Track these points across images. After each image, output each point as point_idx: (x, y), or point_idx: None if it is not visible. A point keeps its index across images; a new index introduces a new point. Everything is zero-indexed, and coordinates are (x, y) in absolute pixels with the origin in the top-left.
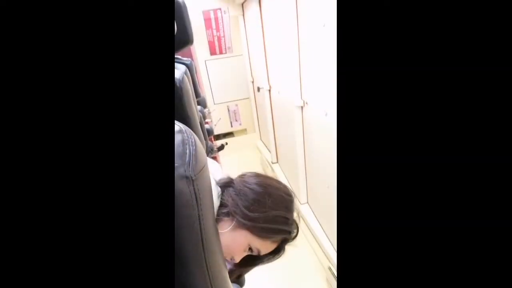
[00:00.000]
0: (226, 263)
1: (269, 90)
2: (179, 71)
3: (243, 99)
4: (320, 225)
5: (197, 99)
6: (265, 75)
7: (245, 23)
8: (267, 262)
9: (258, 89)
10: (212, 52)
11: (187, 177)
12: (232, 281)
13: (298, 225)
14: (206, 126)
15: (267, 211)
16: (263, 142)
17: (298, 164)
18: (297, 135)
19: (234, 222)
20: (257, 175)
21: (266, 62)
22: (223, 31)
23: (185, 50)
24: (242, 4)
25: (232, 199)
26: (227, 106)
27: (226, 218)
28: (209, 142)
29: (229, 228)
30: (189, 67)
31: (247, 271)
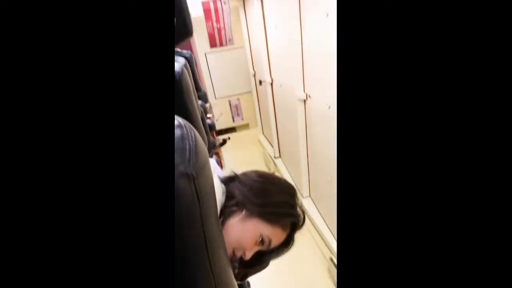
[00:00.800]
0: (235, 264)
1: (271, 83)
2: (179, 64)
3: (245, 93)
4: (322, 217)
5: (198, 94)
6: (266, 68)
7: (246, 14)
8: (276, 257)
9: (260, 82)
10: (212, 45)
11: (187, 175)
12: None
13: (304, 212)
14: (208, 121)
15: (274, 197)
16: (266, 137)
17: (300, 158)
18: (300, 129)
19: (243, 212)
20: (257, 171)
21: (268, 54)
22: (224, 23)
23: (184, 43)
24: None
25: (239, 190)
26: (229, 100)
27: (235, 209)
28: (211, 138)
29: (238, 218)
30: (188, 60)
31: (255, 272)
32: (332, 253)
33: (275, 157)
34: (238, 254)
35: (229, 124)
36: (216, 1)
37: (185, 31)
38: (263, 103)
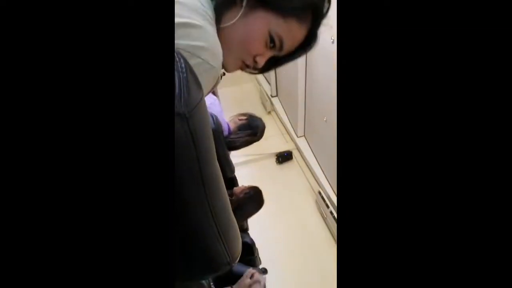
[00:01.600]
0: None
1: None
2: None
3: None
4: (315, 156)
5: None
6: None
7: None
8: (292, 60)
9: None
10: None
11: (179, 115)
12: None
13: None
14: None
15: None
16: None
17: (298, 96)
18: (300, 63)
19: (243, 4)
20: None
21: None
22: None
23: None
24: None
25: None
26: None
27: (231, 6)
28: None
29: (238, 16)
30: None
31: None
32: (320, 187)
33: (272, 96)
34: (248, 60)
35: None
36: None
37: None
38: None
